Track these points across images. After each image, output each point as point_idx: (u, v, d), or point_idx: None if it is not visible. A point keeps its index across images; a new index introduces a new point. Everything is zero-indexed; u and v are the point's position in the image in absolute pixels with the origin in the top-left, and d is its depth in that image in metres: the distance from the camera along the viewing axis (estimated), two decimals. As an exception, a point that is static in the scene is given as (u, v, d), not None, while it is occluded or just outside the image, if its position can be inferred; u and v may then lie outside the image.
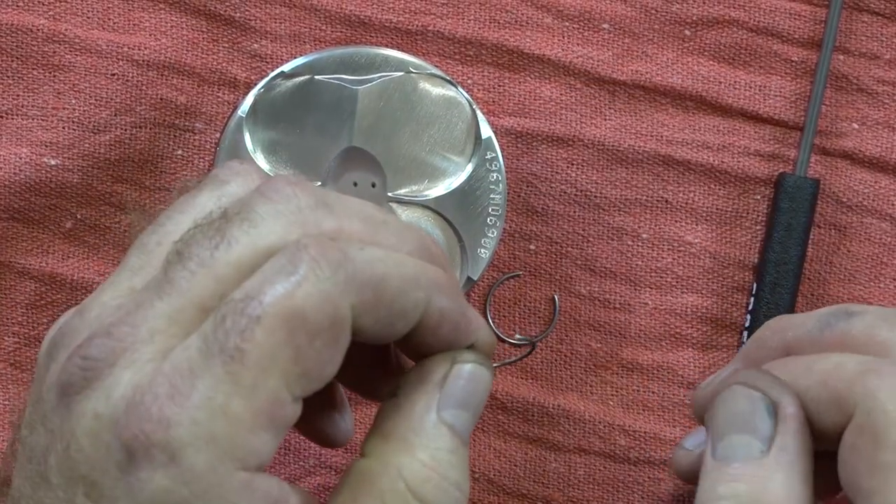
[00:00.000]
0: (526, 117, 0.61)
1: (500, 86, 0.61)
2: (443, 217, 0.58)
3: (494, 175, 0.58)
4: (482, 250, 0.58)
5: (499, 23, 0.61)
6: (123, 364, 0.42)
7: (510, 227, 0.61)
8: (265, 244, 0.43)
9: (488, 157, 0.58)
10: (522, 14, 0.61)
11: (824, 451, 0.46)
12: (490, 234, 0.58)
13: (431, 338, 0.46)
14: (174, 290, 0.43)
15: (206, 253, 0.43)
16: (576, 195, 0.61)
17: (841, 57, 0.62)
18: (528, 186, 0.61)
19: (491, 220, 0.58)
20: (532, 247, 0.61)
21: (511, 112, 0.61)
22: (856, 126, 0.62)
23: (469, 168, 0.58)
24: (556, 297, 0.61)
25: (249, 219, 0.44)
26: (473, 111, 0.57)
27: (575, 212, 0.61)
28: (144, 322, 0.43)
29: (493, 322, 0.61)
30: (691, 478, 0.51)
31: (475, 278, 0.58)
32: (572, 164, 0.61)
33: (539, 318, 0.62)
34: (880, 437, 0.42)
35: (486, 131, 0.57)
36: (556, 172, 0.61)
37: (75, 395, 0.43)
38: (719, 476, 0.45)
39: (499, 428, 0.61)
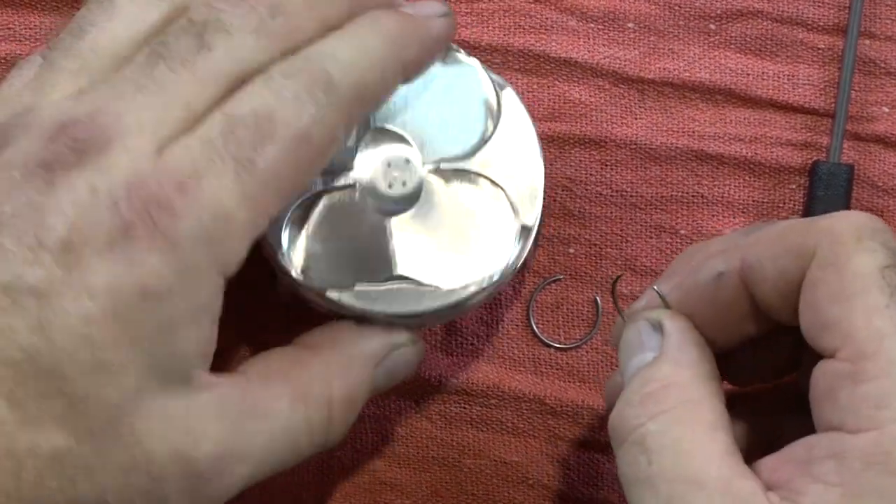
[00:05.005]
0: (556, 121, 0.61)
1: (528, 91, 0.61)
2: (485, 177, 0.56)
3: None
4: (533, 198, 0.56)
5: (523, 28, 0.61)
6: (118, 150, 0.43)
7: (548, 231, 0.61)
8: (245, 56, 0.46)
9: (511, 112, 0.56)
10: (546, 18, 0.61)
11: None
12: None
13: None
14: (158, 88, 0.45)
15: (188, 57, 0.45)
16: (611, 196, 0.61)
17: (867, 41, 0.62)
18: (563, 190, 0.61)
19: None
20: (571, 250, 0.61)
21: (541, 117, 0.61)
22: (886, 109, 0.62)
23: (494, 127, 0.56)
24: (597, 298, 0.61)
25: (224, 29, 0.46)
26: (482, 73, 0.56)
27: (612, 212, 0.61)
28: (129, 113, 0.44)
29: (537, 327, 0.61)
30: None
31: (531, 224, 0.56)
32: (606, 165, 0.61)
33: (582, 320, 0.61)
34: (842, 267, 0.43)
35: (497, 91, 0.56)
36: (591, 174, 0.61)
37: (63, 171, 0.43)
38: (623, 391, 0.47)
39: (549, 433, 0.61)
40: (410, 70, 0.52)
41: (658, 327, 0.48)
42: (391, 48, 0.50)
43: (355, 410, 0.52)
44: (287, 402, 0.49)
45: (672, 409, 0.45)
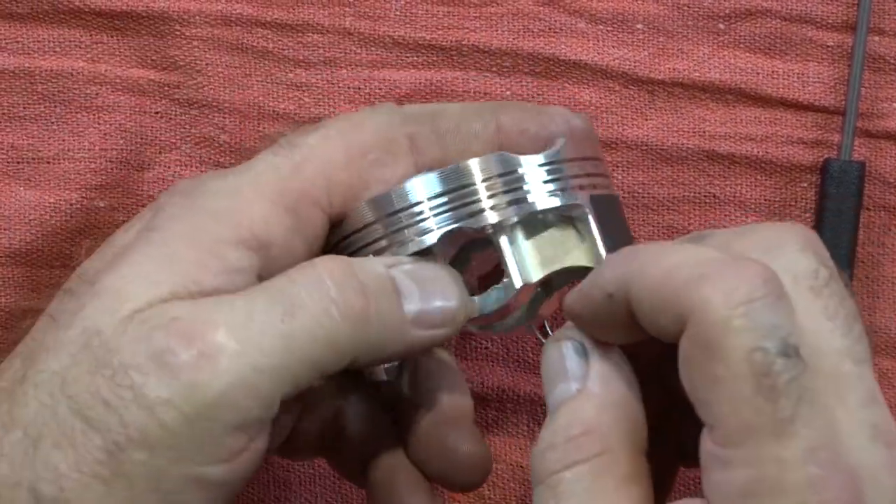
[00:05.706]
0: (567, 124, 0.61)
1: (538, 94, 0.61)
2: None
3: None
4: None
5: (532, 32, 0.61)
6: None
7: (560, 234, 0.61)
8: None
9: None
10: (555, 21, 0.61)
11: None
12: None
13: (526, 144, 0.52)
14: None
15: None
16: (623, 197, 0.61)
17: (876, 38, 0.62)
18: (574, 192, 0.61)
19: None
20: (584, 252, 0.61)
21: (552, 120, 0.61)
22: (896, 106, 0.62)
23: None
24: (611, 300, 0.61)
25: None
26: None
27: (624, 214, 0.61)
28: None
29: (551, 330, 0.61)
30: None
31: None
32: (617, 167, 0.61)
33: (596, 323, 0.61)
34: (713, 350, 0.41)
35: None
36: (602, 176, 0.61)
37: None
38: (548, 425, 0.46)
39: (566, 436, 0.61)
40: (513, 130, 0.53)
41: (582, 351, 0.47)
42: (489, 106, 0.54)
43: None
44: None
45: (590, 459, 0.45)
